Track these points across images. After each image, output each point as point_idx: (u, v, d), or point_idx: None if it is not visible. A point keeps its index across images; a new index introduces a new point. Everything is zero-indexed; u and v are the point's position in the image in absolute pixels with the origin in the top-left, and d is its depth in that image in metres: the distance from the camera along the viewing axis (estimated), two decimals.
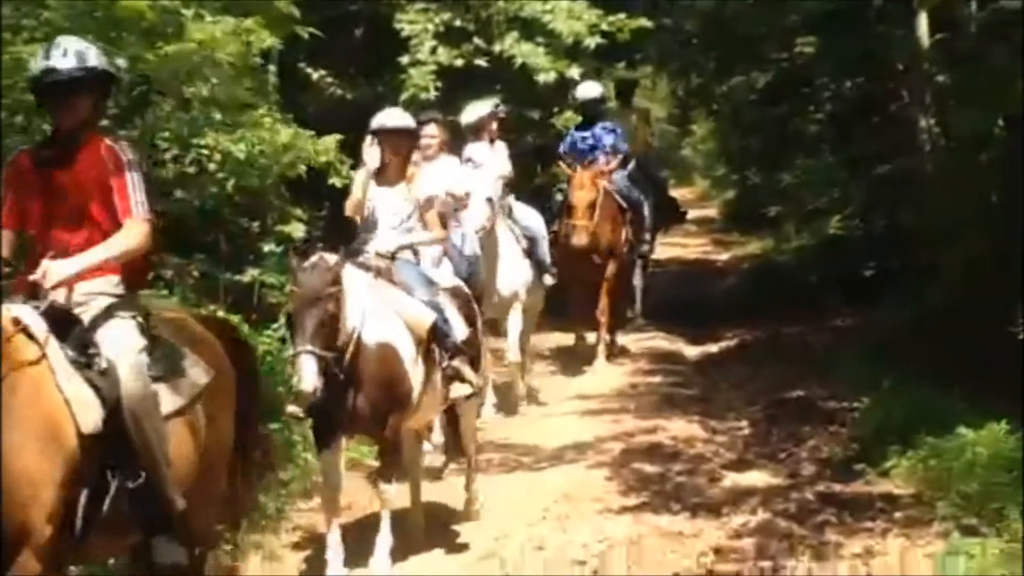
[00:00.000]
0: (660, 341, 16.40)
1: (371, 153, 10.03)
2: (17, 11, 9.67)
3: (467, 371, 9.69)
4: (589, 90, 15.92)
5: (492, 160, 13.10)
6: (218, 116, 10.42)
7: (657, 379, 14.58)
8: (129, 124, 9.99)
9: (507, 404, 13.19)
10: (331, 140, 12.21)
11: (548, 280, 13.74)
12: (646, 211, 16.10)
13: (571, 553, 9.34)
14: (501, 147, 13.44)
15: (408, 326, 9.25)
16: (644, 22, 16.33)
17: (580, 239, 14.36)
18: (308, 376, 8.54)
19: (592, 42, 15.99)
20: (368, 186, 9.88)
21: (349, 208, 9.98)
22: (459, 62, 15.82)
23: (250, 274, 11.86)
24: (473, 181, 12.31)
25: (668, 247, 20.45)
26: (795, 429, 12.16)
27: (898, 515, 9.66)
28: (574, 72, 15.68)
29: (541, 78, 15.62)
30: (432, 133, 11.86)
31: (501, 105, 13.85)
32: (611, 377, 14.40)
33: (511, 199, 13.64)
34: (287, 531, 9.91)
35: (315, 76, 15.44)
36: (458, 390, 9.67)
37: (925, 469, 10.20)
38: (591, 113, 15.79)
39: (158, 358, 6.54)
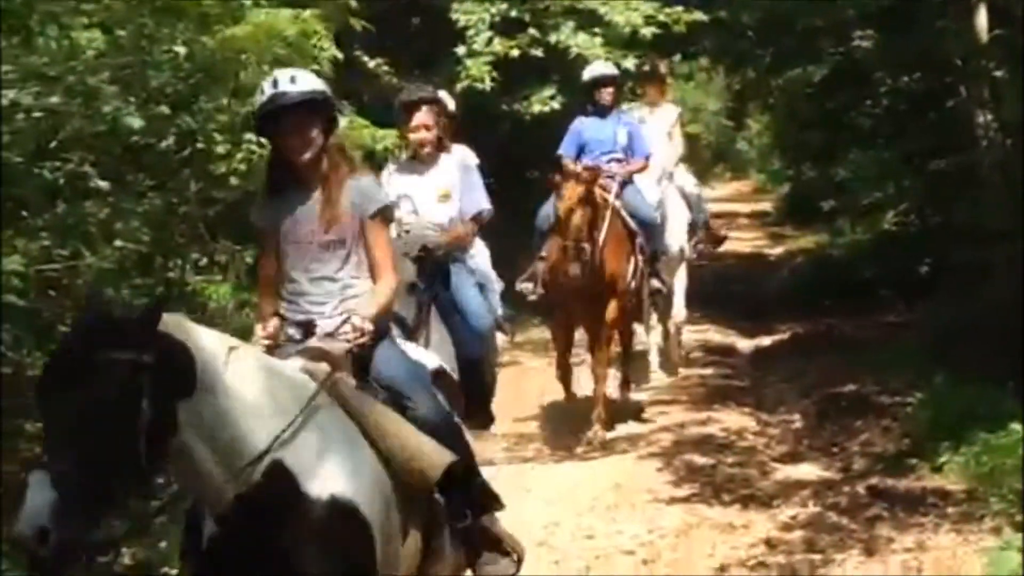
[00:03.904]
0: (713, 334, 16.39)
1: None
2: None
3: (506, 534, 6.18)
4: (599, 68, 12.84)
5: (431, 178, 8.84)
6: None
7: (709, 371, 14.59)
8: (185, 111, 10.01)
9: None
10: (389, 132, 11.92)
11: (499, 337, 9.67)
12: (674, 235, 13.45)
13: (621, 543, 9.40)
14: (451, 161, 8.88)
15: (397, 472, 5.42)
16: (699, 15, 16.36)
17: (575, 266, 11.29)
18: None
19: (648, 32, 16.01)
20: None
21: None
22: (515, 52, 15.87)
23: None
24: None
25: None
26: (847, 423, 12.12)
27: (950, 510, 9.61)
28: (629, 63, 15.58)
29: None
30: (426, 122, 8.34)
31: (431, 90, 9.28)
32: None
33: None
34: None
35: (371, 64, 15.49)
36: (500, 570, 6.07)
37: (977, 465, 10.13)
38: (602, 100, 12.38)
39: None
